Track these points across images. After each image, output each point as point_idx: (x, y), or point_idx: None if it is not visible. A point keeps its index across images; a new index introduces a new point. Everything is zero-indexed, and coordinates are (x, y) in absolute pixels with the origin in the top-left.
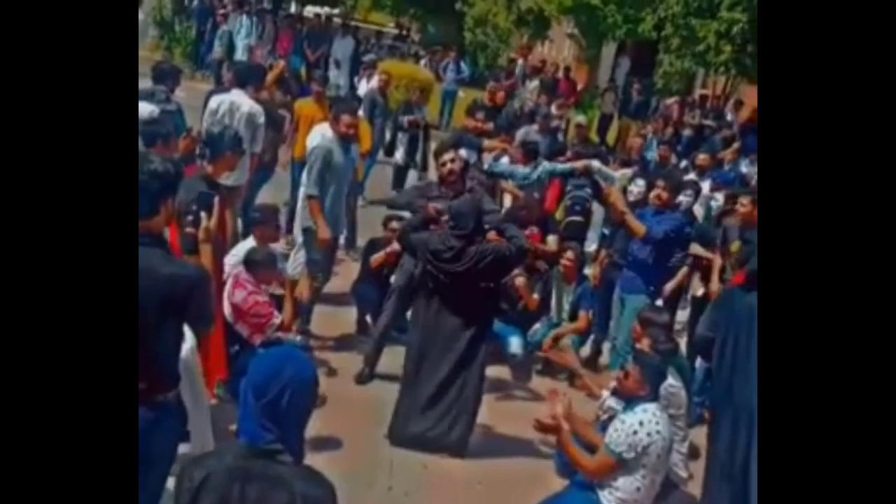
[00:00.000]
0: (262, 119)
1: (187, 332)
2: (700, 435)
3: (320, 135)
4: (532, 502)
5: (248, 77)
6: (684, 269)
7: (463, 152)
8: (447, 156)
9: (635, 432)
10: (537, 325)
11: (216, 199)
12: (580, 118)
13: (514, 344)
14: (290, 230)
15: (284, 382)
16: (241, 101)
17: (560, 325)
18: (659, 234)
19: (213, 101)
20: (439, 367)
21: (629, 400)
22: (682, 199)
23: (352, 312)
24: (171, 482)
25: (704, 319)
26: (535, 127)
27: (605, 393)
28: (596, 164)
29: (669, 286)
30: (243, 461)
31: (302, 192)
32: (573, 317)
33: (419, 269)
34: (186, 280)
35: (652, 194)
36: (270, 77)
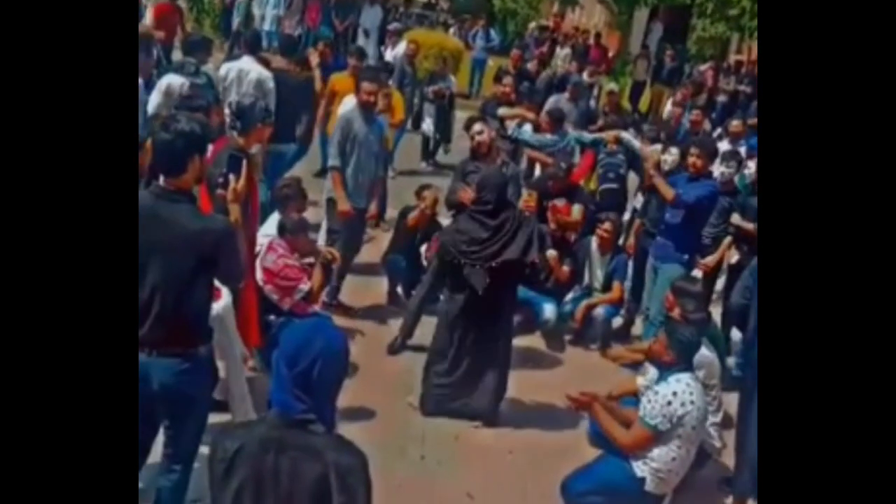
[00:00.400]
0: (271, 84)
1: (224, 290)
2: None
3: (348, 105)
4: (564, 472)
5: (259, 44)
6: (727, 241)
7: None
8: (476, 128)
9: (669, 403)
10: (570, 295)
11: (244, 162)
12: (612, 85)
13: (548, 310)
14: None
15: (315, 353)
16: (250, 68)
17: (592, 295)
18: (690, 199)
19: (223, 69)
20: (469, 336)
21: (662, 370)
22: (725, 169)
23: (382, 283)
24: (203, 449)
25: (738, 287)
26: (566, 95)
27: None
28: (626, 135)
29: (712, 259)
30: (276, 431)
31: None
32: (607, 287)
33: (455, 256)
34: (214, 234)
35: (688, 161)
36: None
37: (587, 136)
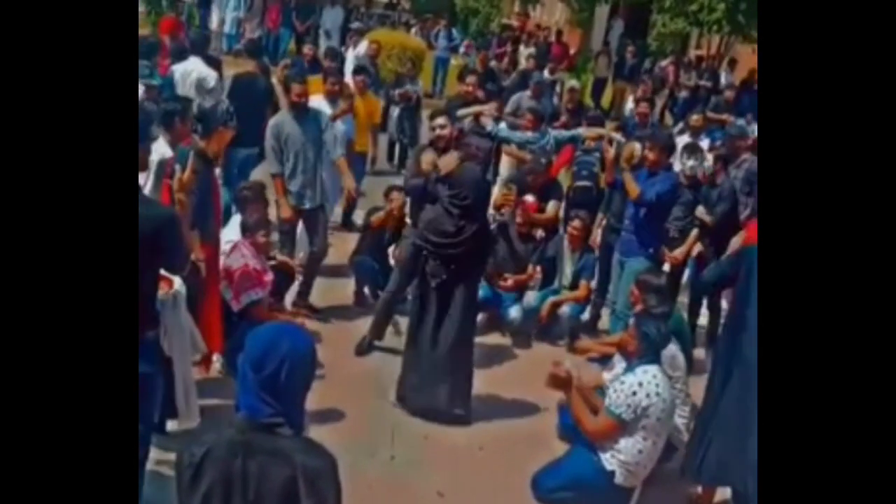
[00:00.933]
0: (212, 83)
1: (177, 281)
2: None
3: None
4: (534, 466)
5: (206, 44)
6: (694, 233)
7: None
8: (438, 121)
9: (635, 393)
10: (536, 292)
11: (191, 154)
12: (573, 82)
13: (513, 311)
14: None
15: (282, 356)
16: (193, 68)
17: (560, 292)
18: (652, 195)
19: (170, 71)
20: (437, 335)
21: (630, 361)
22: (689, 163)
23: (349, 284)
24: (170, 455)
25: (711, 270)
26: (528, 93)
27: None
28: (613, 133)
29: (680, 251)
30: (243, 435)
31: None
32: (574, 285)
33: (419, 243)
34: (155, 219)
35: (643, 155)
36: None
37: (566, 134)
